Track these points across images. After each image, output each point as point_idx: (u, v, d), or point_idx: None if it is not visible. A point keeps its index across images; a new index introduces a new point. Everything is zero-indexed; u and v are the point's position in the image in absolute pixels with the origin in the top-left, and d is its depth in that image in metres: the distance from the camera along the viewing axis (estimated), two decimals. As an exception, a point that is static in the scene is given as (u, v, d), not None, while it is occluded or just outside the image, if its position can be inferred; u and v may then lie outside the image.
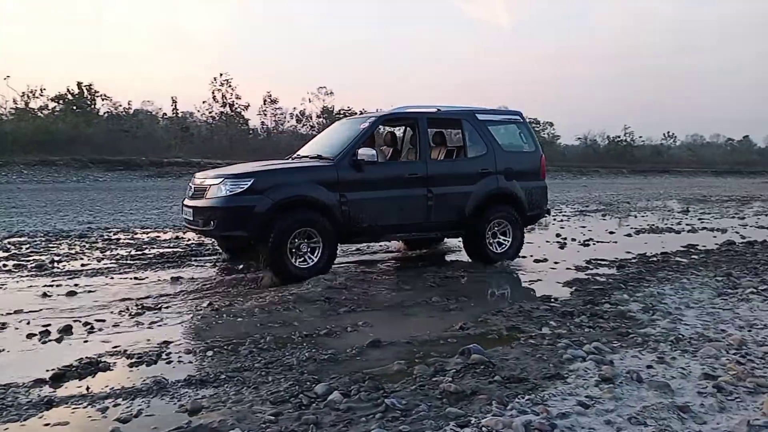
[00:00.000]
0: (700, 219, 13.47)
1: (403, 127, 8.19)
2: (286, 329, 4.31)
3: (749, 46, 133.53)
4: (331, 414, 2.79)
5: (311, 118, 45.89)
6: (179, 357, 3.67)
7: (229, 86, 38.50)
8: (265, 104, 42.65)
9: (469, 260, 7.25)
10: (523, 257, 7.62)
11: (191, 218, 6.21)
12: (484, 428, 2.59)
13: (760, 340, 3.96)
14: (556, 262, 7.37)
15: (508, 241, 7.29)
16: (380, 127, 7.55)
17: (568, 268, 6.99)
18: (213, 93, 38.30)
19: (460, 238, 7.42)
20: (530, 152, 7.71)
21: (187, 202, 6.37)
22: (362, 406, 2.88)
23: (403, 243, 8.43)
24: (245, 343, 3.89)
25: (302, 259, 6.01)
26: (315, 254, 6.07)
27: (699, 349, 3.74)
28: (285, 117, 44.82)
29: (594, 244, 9.17)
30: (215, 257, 7.36)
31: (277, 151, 35.32)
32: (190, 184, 6.52)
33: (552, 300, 5.25)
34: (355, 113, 47.73)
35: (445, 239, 8.46)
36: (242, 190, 5.86)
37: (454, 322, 4.52)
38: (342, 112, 46.82)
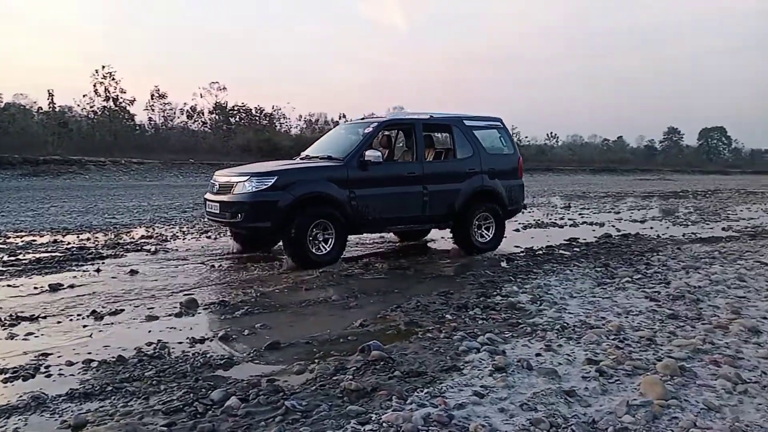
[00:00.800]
0: (580, 214, 14.42)
1: (396, 131, 8.88)
2: (179, 335, 4.12)
3: (626, 55, 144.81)
4: (229, 420, 2.70)
5: (203, 114, 44.35)
6: (60, 370, 3.41)
7: (113, 79, 36.42)
8: (152, 99, 40.78)
9: (368, 259, 7.29)
10: (425, 255, 7.80)
11: (217, 211, 6.94)
12: (384, 424, 2.61)
13: (636, 325, 4.30)
14: (450, 259, 7.59)
15: (492, 233, 8.24)
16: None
17: (461, 263, 7.24)
18: (95, 86, 36.13)
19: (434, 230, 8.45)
20: (509, 154, 8.68)
21: (211, 197, 7.16)
22: (261, 410, 2.81)
23: (396, 235, 9.37)
24: (133, 352, 3.68)
25: (318, 248, 6.83)
26: (329, 244, 6.89)
27: (582, 336, 3.99)
28: (175, 112, 42.98)
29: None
30: (99, 262, 6.91)
31: (166, 148, 33.93)
32: (213, 182, 7.36)
33: (448, 294, 5.41)
34: (250, 110, 46.75)
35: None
36: (267, 186, 6.65)
37: (354, 319, 4.53)
38: (236, 108, 45.66)
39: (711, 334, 4.08)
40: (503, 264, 7.13)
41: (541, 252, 8.08)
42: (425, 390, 3.03)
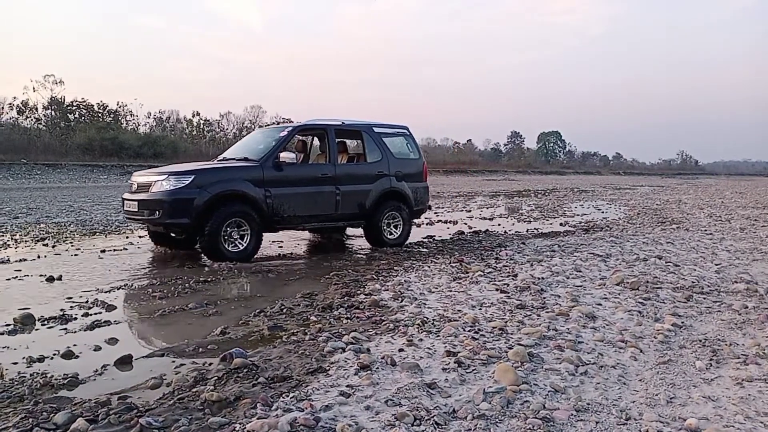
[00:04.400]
0: (435, 213, 15.08)
1: (311, 136, 9.59)
2: (13, 354, 3.69)
3: (478, 61, 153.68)
4: (75, 445, 2.46)
5: (37, 109, 40.24)
6: None
7: None
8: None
9: (219, 263, 7.06)
10: (289, 253, 7.70)
11: (135, 210, 7.26)
12: (249, 433, 2.53)
13: (489, 316, 4.57)
14: (316, 259, 7.57)
15: (399, 230, 8.91)
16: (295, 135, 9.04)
17: (326, 263, 7.25)
18: None
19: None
20: (415, 159, 9.42)
21: (129, 196, 7.49)
22: (113, 430, 2.60)
23: (314, 233, 10.02)
24: (-44, 378, 3.23)
25: (234, 244, 7.20)
26: (244, 240, 7.27)
27: (441, 330, 4.16)
28: (3, 108, 38.56)
29: (352, 238, 9.65)
30: None
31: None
32: (131, 182, 7.71)
33: (312, 295, 5.38)
34: (92, 106, 43.20)
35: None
36: (184, 185, 7.04)
37: (214, 327, 4.35)
38: (76, 103, 42.00)
39: (554, 321, 4.45)
40: (365, 262, 7.25)
41: (401, 250, 8.33)
42: (291, 394, 2.99)
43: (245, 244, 7.26)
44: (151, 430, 2.59)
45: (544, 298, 5.24)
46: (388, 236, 8.79)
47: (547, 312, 4.71)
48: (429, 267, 6.84)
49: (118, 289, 5.68)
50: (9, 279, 6.01)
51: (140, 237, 9.51)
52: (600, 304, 5.06)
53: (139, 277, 6.27)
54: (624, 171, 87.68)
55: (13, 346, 3.90)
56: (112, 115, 44.15)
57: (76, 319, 4.56)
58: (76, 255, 7.58)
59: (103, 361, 3.59)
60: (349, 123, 8.94)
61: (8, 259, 7.07)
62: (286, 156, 7.66)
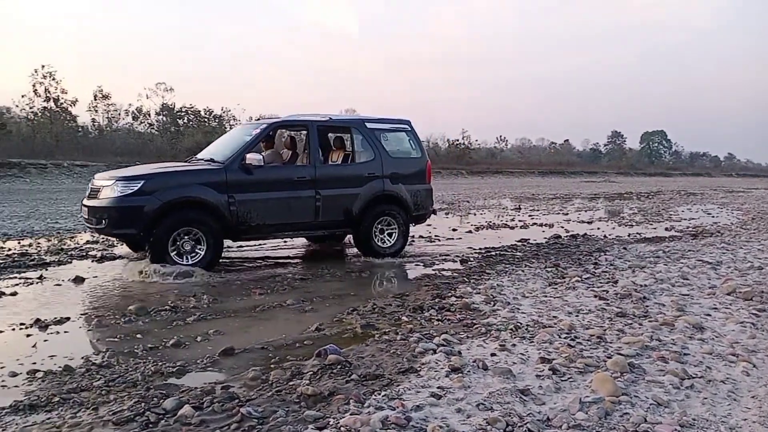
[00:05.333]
0: (530, 216, 14.72)
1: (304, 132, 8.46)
2: (128, 343, 4.00)
3: (574, 58, 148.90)
4: (183, 429, 2.63)
5: (149, 115, 43.18)
6: (2, 381, 3.25)
7: (53, 79, 34.98)
8: (95, 100, 39.40)
9: (325, 262, 7.26)
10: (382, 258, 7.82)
11: (86, 217, 6.57)
12: (342, 428, 2.60)
13: (586, 324, 4.41)
14: (405, 260, 7.62)
15: (395, 238, 7.94)
16: (284, 131, 8.55)
17: (416, 265, 7.29)
18: (34, 86, 34.59)
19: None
20: (417, 158, 8.35)
21: (84, 201, 6.72)
22: (216, 417, 2.75)
23: (309, 240, 9.17)
24: (80, 362, 3.55)
25: (186, 255, 6.44)
26: (199, 251, 6.49)
27: (535, 336, 4.07)
28: (119, 114, 41.69)
29: (439, 240, 9.64)
30: (42, 269, 6.63)
31: (112, 151, 32.92)
32: (89, 185, 6.86)
33: (403, 296, 5.43)
34: (199, 111, 45.86)
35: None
36: (133, 191, 6.28)
37: (310, 323, 4.50)
38: (184, 109, 44.70)
39: (657, 331, 4.22)
40: (457, 265, 7.21)
41: (493, 253, 8.21)
42: (383, 393, 3.03)
43: (200, 256, 6.46)
44: (251, 420, 2.72)
45: (647, 306, 4.98)
46: (381, 245, 7.84)
47: (650, 321, 4.48)
48: (523, 271, 6.70)
49: (223, 284, 6.00)
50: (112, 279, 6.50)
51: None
52: (709, 315, 4.74)
53: (240, 273, 6.57)
54: (737, 172, 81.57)
55: (128, 334, 4.21)
56: (216, 120, 46.60)
57: (185, 310, 4.86)
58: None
59: (209, 351, 3.81)
60: (336, 118, 8.19)
61: (123, 255, 7.64)
62: (252, 158, 6.80)
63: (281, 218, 7.11)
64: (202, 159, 7.45)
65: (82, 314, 4.73)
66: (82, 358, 3.63)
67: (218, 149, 7.61)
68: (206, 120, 45.98)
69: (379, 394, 3.01)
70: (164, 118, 43.76)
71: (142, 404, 2.90)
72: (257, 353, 3.84)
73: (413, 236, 9.94)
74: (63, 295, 5.40)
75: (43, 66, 34.87)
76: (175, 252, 6.37)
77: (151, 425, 2.68)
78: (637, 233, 11.09)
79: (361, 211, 7.62)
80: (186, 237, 6.42)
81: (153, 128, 43.52)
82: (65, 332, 4.27)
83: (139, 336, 4.17)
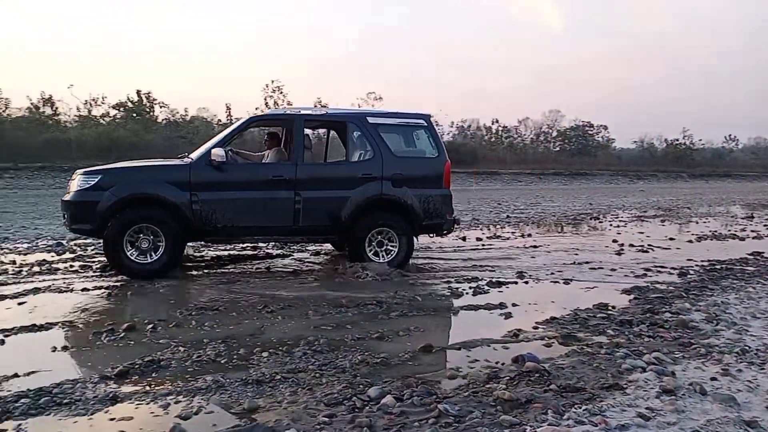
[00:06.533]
0: (766, 225, 12.87)
1: (327, 129, 8.13)
2: (339, 332, 4.34)
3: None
4: (384, 418, 2.80)
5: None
6: (234, 357, 3.76)
7: (281, 92, 39.22)
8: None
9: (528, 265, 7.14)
10: (579, 262, 7.48)
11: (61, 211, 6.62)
12: (540, 437, 2.55)
13: (835, 354, 3.75)
14: (612, 269, 7.17)
15: (395, 251, 6.88)
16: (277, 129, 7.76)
17: (625, 275, 6.81)
18: (265, 99, 39.11)
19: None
20: (431, 158, 7.24)
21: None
22: (415, 410, 2.88)
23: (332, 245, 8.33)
24: (299, 345, 3.95)
25: (143, 254, 6.16)
26: (158, 251, 6.20)
27: (766, 362, 3.57)
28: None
29: (653, 250, 8.87)
30: (270, 261, 7.48)
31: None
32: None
33: (609, 308, 5.12)
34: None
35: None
36: (89, 186, 6.16)
37: (508, 328, 4.47)
38: (392, 116, 46.95)
39: None
40: (674, 278, 6.59)
41: (718, 266, 7.33)
42: (584, 407, 2.91)
43: (158, 255, 6.17)
44: (447, 416, 2.79)
45: None
46: (377, 258, 6.82)
47: None
48: (754, 288, 5.89)
49: (419, 284, 6.22)
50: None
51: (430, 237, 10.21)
52: None
53: (435, 275, 6.74)
54: None
55: (340, 324, 4.58)
56: (420, 126, 48.27)
57: (387, 305, 5.14)
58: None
59: (409, 346, 3.98)
60: (330, 112, 7.41)
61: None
62: (216, 153, 6.31)
63: (253, 221, 6.52)
64: (185, 155, 7.03)
65: (300, 301, 5.25)
66: (301, 342, 4.03)
67: (204, 146, 6.94)
68: (411, 125, 47.86)
69: (580, 408, 2.89)
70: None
71: (350, 389, 3.14)
72: (455, 352, 3.92)
73: (622, 245, 9.31)
74: (285, 282, 6.04)
75: (272, 81, 39.30)
76: (136, 251, 6.15)
77: (356, 410, 2.89)
78: None
79: (351, 218, 6.72)
80: (142, 235, 6.16)
81: (362, 135, 46.53)
82: (287, 317, 4.77)
83: (348, 326, 4.50)
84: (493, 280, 6.35)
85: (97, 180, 6.18)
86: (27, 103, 33.24)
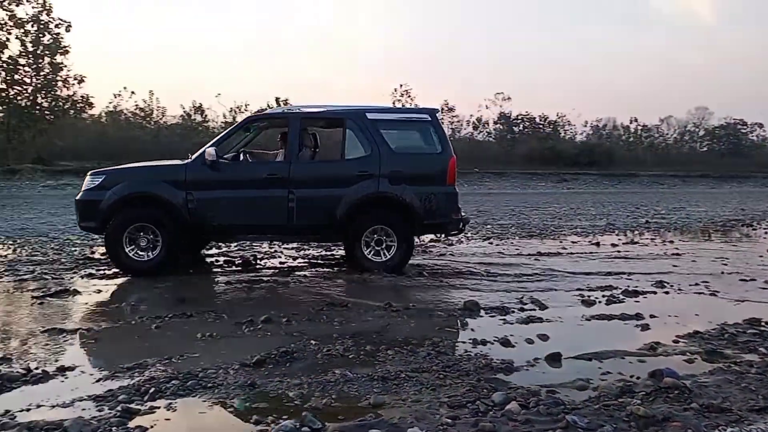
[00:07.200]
0: None
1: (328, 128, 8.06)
2: (464, 335, 4.34)
3: None
4: (509, 424, 2.75)
5: (488, 124, 45.65)
6: (362, 353, 3.88)
7: (409, 96, 39.81)
8: (442, 112, 43.38)
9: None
10: (728, 273, 6.87)
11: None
12: (678, 458, 2.38)
13: None
14: (766, 281, 6.49)
15: (393, 251, 6.70)
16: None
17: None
18: (393, 104, 39.92)
19: None
20: (434, 154, 6.95)
21: None
22: (541, 419, 2.80)
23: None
24: (424, 345, 4.00)
25: (142, 252, 6.39)
26: (155, 249, 6.39)
27: None
28: (462, 124, 45.12)
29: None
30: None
31: (454, 158, 35.94)
32: None
33: (762, 324, 4.64)
34: (534, 118, 46.62)
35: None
36: (95, 186, 6.53)
37: (644, 340, 4.21)
38: (520, 117, 45.98)
39: None
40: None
41: None
42: (729, 429, 2.67)
43: (155, 254, 6.37)
44: (575, 428, 2.69)
45: None
46: (373, 258, 6.67)
47: None
48: None
49: (548, 290, 6.01)
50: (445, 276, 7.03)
51: (572, 242, 9.83)
52: None
53: (564, 282, 6.48)
54: None
55: (462, 327, 4.57)
56: (551, 126, 46.72)
57: (513, 312, 5.05)
58: (518, 254, 8.33)
59: (535, 354, 3.89)
60: (328, 110, 7.20)
61: (459, 253, 8.27)
62: (209, 152, 6.43)
63: (247, 219, 6.64)
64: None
65: (422, 303, 5.30)
66: (424, 341, 4.07)
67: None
68: (541, 126, 46.51)
69: (725, 430, 2.66)
70: (501, 127, 45.78)
71: (473, 393, 3.13)
72: (584, 363, 3.76)
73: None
74: (408, 283, 6.13)
75: (401, 85, 40.04)
76: (136, 248, 6.38)
77: (480, 414, 2.87)
78: None
79: (347, 216, 6.62)
80: (141, 234, 6.39)
81: (490, 136, 45.93)
82: (411, 317, 4.84)
83: (472, 329, 4.49)
84: (629, 288, 5.98)
85: (101, 180, 6.57)
86: (180, 111, 36.57)
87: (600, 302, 5.48)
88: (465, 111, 50.38)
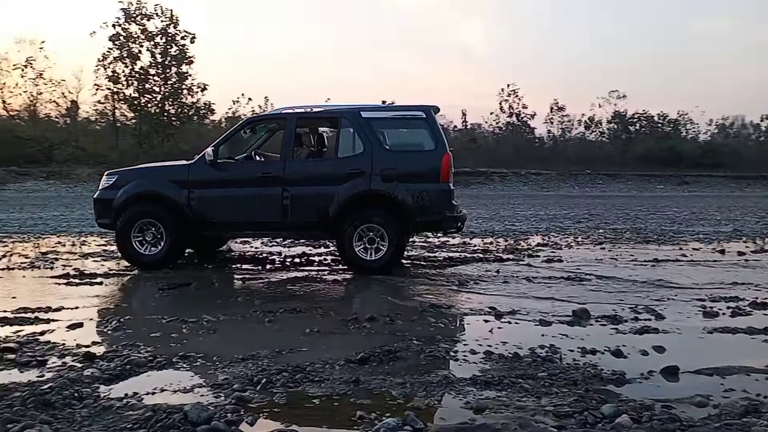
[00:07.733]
0: None
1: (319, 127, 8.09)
2: (572, 343, 4.19)
3: None
4: (619, 438, 2.63)
5: (601, 124, 43.67)
6: (465, 357, 3.86)
7: (516, 96, 39.02)
8: (551, 112, 42.05)
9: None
10: None
11: None
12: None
13: None
14: None
15: (384, 250, 6.68)
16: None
17: None
18: (500, 104, 39.31)
19: None
20: (427, 152, 6.93)
21: None
22: (654, 435, 2.65)
23: None
24: (528, 352, 3.91)
25: (148, 247, 6.85)
26: (160, 244, 6.82)
27: None
28: (572, 124, 43.48)
29: None
30: (498, 264, 7.51)
31: (563, 159, 34.76)
32: None
33: None
34: (652, 117, 43.99)
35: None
36: (109, 185, 7.05)
37: (772, 357, 3.86)
38: (636, 115, 43.59)
39: None
40: None
41: None
42: None
43: (159, 248, 6.79)
44: (694, 447, 2.52)
45: None
46: (363, 255, 6.66)
47: None
48: None
49: (666, 300, 5.65)
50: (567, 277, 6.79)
51: (694, 249, 9.18)
52: None
53: (683, 291, 6.07)
54: None
55: (570, 335, 4.42)
56: (671, 125, 43.89)
57: (626, 321, 4.80)
58: (633, 260, 7.92)
59: (649, 366, 3.67)
60: (324, 109, 7.49)
61: (569, 259, 7.98)
62: (207, 153, 6.80)
63: (243, 216, 6.96)
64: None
65: (528, 310, 5.17)
66: (529, 348, 3.98)
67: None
68: (659, 125, 43.83)
69: None
70: (615, 126, 43.66)
71: (581, 403, 3.01)
72: (705, 379, 3.50)
73: None
74: (514, 290, 6.00)
75: (508, 85, 39.35)
76: (144, 243, 6.83)
77: (588, 425, 2.76)
78: None
79: (338, 213, 6.69)
80: (150, 229, 6.82)
81: (603, 136, 43.96)
82: (515, 323, 4.76)
83: (582, 338, 4.31)
84: (758, 300, 5.49)
85: (115, 180, 7.11)
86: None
87: (724, 314, 5.08)
88: (576, 110, 48.48)
